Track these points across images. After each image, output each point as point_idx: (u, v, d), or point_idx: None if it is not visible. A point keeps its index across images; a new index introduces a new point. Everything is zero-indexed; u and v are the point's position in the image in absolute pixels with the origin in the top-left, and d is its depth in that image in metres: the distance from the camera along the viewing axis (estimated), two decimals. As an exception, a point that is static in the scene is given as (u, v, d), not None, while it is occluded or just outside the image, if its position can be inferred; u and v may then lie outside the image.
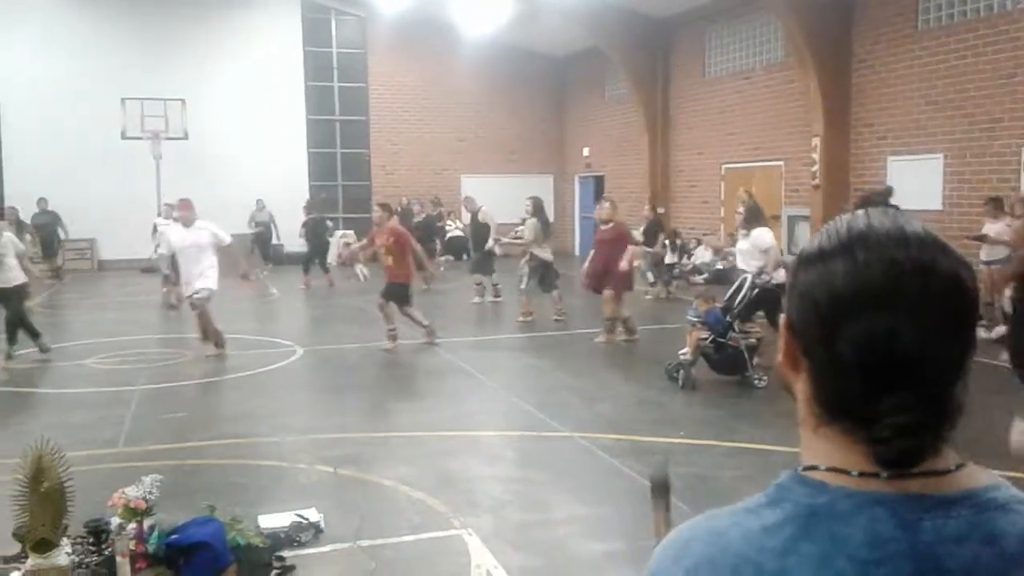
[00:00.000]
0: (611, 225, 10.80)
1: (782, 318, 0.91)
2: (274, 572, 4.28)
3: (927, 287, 0.81)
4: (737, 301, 8.31)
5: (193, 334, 10.66)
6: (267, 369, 9.54)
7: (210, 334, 10.02)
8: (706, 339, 8.24)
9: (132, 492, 3.99)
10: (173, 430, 6.99)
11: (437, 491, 5.43)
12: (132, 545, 3.94)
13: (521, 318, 12.20)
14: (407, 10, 22.15)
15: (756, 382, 8.11)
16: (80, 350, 10.70)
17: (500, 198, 19.14)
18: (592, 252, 11.09)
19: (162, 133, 20.11)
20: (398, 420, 7.42)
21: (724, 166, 18.72)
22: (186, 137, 20.35)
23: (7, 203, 19.59)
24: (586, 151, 24.22)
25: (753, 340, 8.31)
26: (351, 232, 21.24)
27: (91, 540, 4.09)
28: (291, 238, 20.15)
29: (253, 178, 21.65)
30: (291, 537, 4.58)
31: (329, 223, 19.08)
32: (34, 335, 9.99)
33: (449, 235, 21.13)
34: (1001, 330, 6.15)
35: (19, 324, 9.80)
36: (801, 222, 15.96)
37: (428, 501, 5.27)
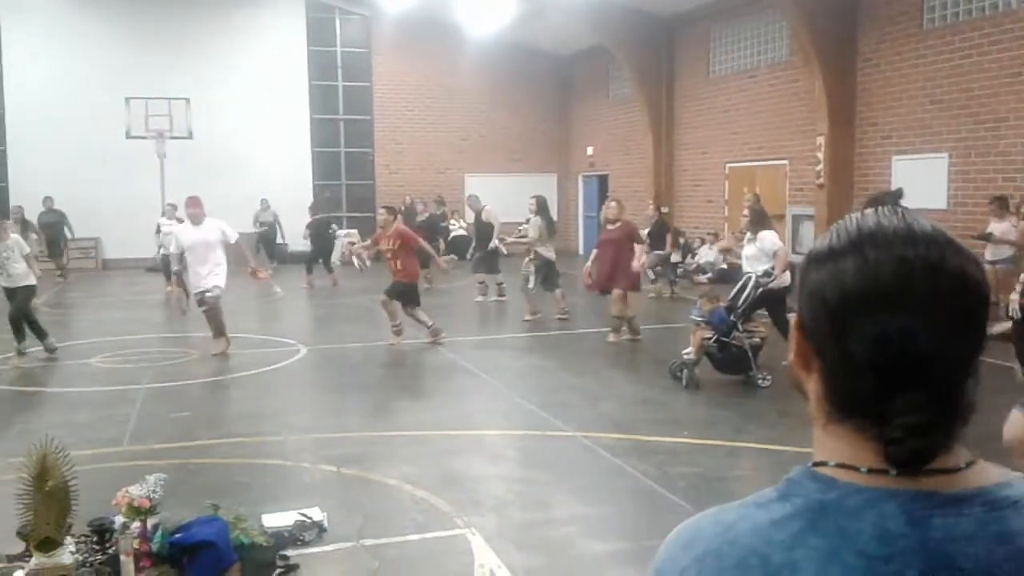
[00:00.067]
0: (618, 224, 10.78)
1: (793, 318, 0.91)
2: (278, 571, 4.28)
3: (937, 285, 0.80)
4: (741, 301, 8.30)
5: (197, 333, 10.68)
6: (271, 368, 9.55)
7: (221, 329, 10.05)
8: (710, 338, 8.21)
9: (136, 491, 3.99)
10: (177, 429, 7.00)
11: (441, 490, 5.43)
12: (136, 544, 3.94)
13: (528, 317, 12.20)
14: (411, 9, 22.15)
15: (760, 382, 8.09)
16: (85, 349, 10.72)
17: (504, 197, 19.15)
18: (595, 252, 11.05)
19: (166, 132, 20.12)
20: (401, 419, 7.42)
21: (728, 165, 18.69)
22: (190, 136, 20.37)
23: (12, 203, 19.64)
24: (590, 150, 24.21)
25: (757, 340, 8.29)
26: (355, 231, 21.27)
27: (95, 539, 4.10)
28: (295, 238, 20.18)
29: (257, 177, 21.67)
30: (295, 536, 4.59)
31: (333, 225, 19.11)
32: (41, 335, 10.02)
33: (453, 234, 21.13)
34: (1000, 327, 6.13)
35: (22, 321, 9.81)
36: (805, 221, 15.93)
37: (431, 500, 5.27)
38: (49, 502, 3.74)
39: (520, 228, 14.00)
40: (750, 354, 8.14)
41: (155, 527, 4.05)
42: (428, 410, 7.70)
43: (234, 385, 8.95)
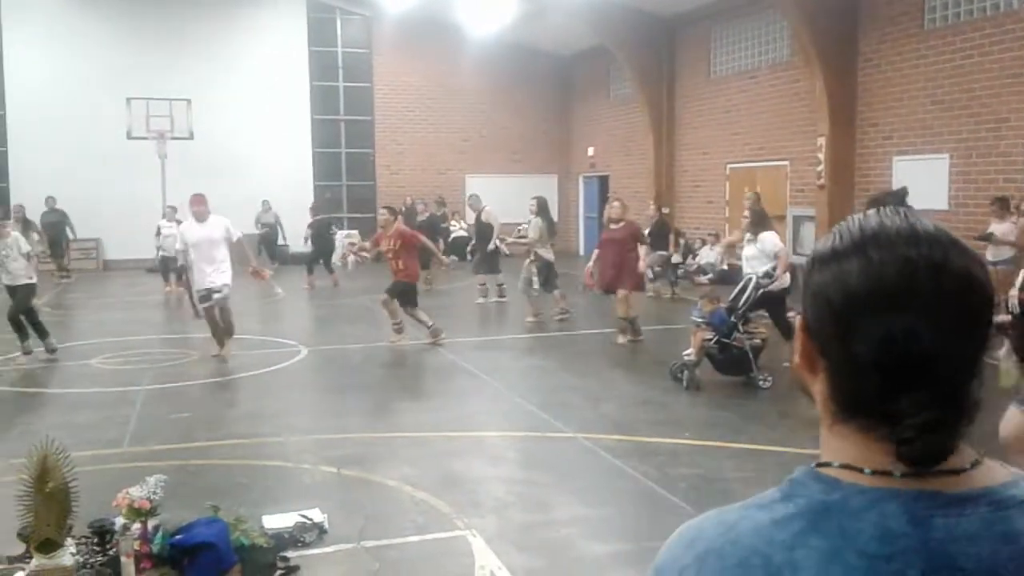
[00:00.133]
0: (622, 224, 10.76)
1: (798, 319, 0.91)
2: (278, 572, 4.28)
3: (940, 285, 0.80)
4: (742, 302, 8.29)
5: (197, 334, 10.68)
6: (271, 369, 9.55)
7: (230, 330, 10.06)
8: (711, 340, 8.21)
9: (136, 492, 3.99)
10: (178, 430, 6.99)
11: (441, 492, 5.43)
12: (136, 545, 3.94)
13: (531, 318, 12.20)
14: (412, 9, 22.16)
15: (761, 383, 8.08)
16: (85, 350, 10.72)
17: (505, 198, 19.16)
18: (597, 252, 11.04)
19: (167, 133, 20.14)
20: (402, 420, 7.42)
21: (729, 166, 18.69)
22: (191, 137, 20.39)
23: (13, 203, 19.64)
24: (591, 151, 24.21)
25: (758, 341, 8.28)
26: (355, 232, 21.27)
27: (95, 540, 4.09)
28: (296, 239, 20.18)
29: (258, 178, 21.68)
30: (295, 537, 4.58)
31: (334, 227, 19.11)
32: (42, 334, 10.02)
33: (453, 235, 21.12)
34: (999, 318, 6.14)
35: (20, 320, 9.80)
36: (806, 222, 15.93)
37: (432, 502, 5.27)
38: (50, 503, 3.74)
39: (519, 228, 13.99)
40: (751, 355, 8.13)
41: (155, 528, 4.04)
42: (428, 411, 7.70)
43: (234, 386, 8.95)
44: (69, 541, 3.89)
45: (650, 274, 15.04)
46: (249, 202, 20.65)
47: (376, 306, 11.19)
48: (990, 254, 10.49)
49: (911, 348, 0.79)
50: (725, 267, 15.89)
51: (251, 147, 22.08)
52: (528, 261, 12.35)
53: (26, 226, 16.18)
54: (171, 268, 16.38)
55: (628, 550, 4.67)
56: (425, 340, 10.61)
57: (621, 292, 10.51)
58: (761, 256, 8.68)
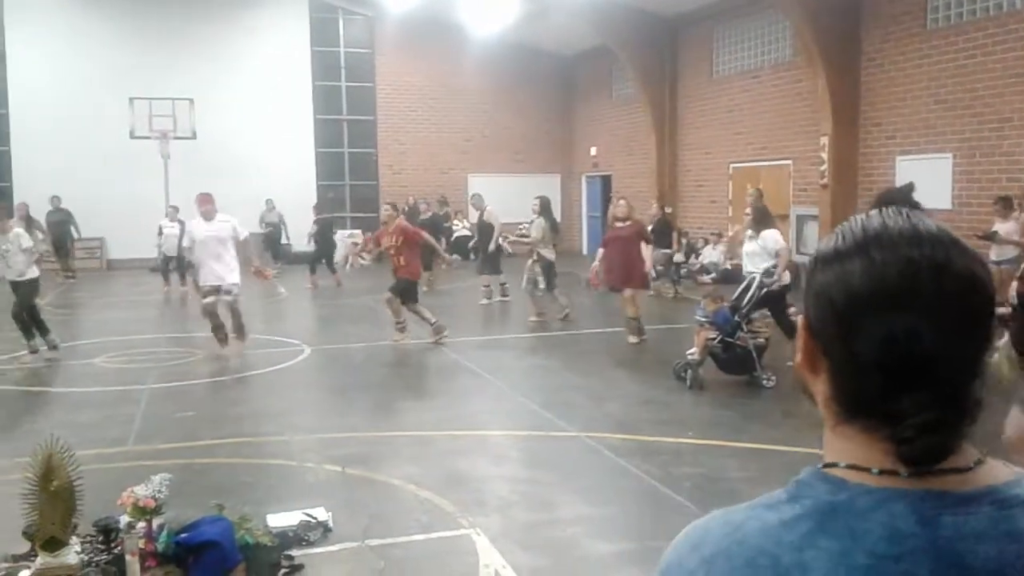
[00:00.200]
0: (628, 223, 10.75)
1: (800, 319, 0.91)
2: (282, 571, 4.29)
3: (942, 286, 0.81)
4: (745, 301, 8.29)
5: (200, 333, 10.70)
6: (275, 368, 9.56)
7: (240, 329, 10.08)
8: (714, 339, 8.21)
9: (141, 491, 4.00)
10: (182, 429, 7.01)
11: (445, 490, 5.44)
12: (141, 544, 3.95)
13: (534, 318, 12.20)
14: (414, 9, 22.17)
15: (764, 382, 8.08)
16: (89, 349, 10.75)
17: (507, 198, 19.17)
18: (601, 251, 11.04)
19: (170, 133, 20.14)
20: (406, 419, 7.43)
21: (732, 165, 18.68)
22: (194, 137, 20.39)
23: (16, 202, 19.65)
24: (593, 150, 24.21)
25: (762, 340, 8.28)
26: (358, 232, 21.28)
27: (100, 539, 4.10)
28: (300, 238, 20.19)
29: (261, 178, 21.69)
30: (299, 536, 4.59)
31: (334, 227, 19.12)
32: (43, 331, 10.04)
33: (456, 234, 21.12)
34: (999, 311, 6.14)
35: (25, 317, 9.82)
36: (809, 221, 15.91)
37: (436, 500, 5.28)
38: (54, 502, 3.75)
39: (521, 227, 14.00)
40: (754, 354, 8.13)
41: (160, 527, 4.05)
42: (432, 410, 7.71)
43: (238, 385, 8.96)
44: (74, 539, 3.91)
45: (653, 273, 15.04)
46: (251, 202, 20.63)
47: (379, 305, 11.21)
48: (994, 253, 10.48)
49: (913, 348, 0.80)
50: (728, 267, 15.89)
51: (254, 147, 22.09)
52: (531, 261, 12.35)
53: (30, 224, 16.21)
54: (171, 268, 16.42)
55: (632, 549, 4.67)
56: (428, 339, 10.62)
57: (628, 292, 10.51)
58: (762, 252, 8.69)
